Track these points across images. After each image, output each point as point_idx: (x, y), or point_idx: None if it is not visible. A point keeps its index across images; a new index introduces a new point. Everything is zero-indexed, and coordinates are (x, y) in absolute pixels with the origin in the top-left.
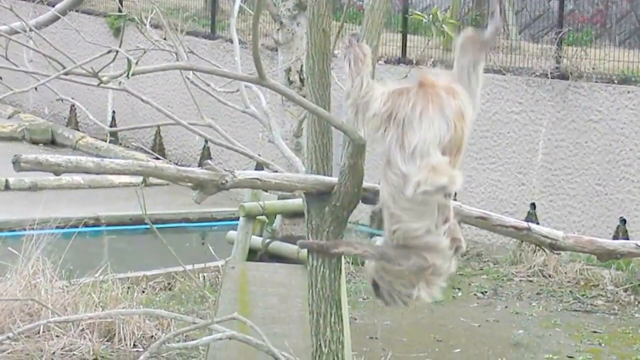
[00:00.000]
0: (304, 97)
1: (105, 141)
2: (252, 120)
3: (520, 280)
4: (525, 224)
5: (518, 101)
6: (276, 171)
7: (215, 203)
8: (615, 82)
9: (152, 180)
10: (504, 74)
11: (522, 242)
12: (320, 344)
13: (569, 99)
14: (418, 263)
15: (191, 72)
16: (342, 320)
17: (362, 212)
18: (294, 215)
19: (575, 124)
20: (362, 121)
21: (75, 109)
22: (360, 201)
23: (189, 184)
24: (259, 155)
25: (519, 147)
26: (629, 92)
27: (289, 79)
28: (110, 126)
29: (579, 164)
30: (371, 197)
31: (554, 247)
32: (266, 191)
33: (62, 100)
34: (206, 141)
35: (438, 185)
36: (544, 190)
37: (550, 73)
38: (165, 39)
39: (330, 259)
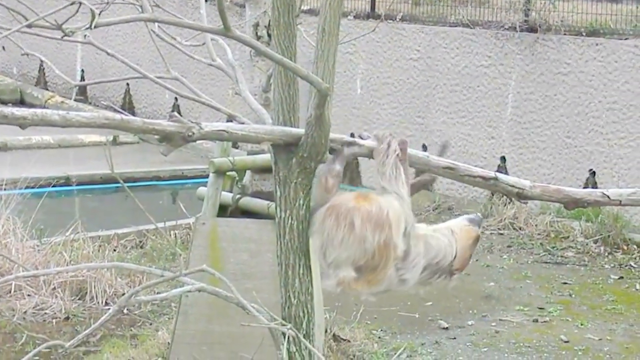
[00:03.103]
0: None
1: (76, 101)
2: (222, 77)
3: (491, 233)
4: (492, 174)
5: (487, 55)
6: (243, 123)
7: (186, 161)
8: (584, 34)
9: (122, 138)
10: (473, 28)
11: (492, 195)
12: (289, 295)
13: (537, 52)
14: None
15: (157, 27)
16: (310, 271)
17: None
18: (263, 170)
19: (544, 77)
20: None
21: (44, 68)
22: (327, 152)
23: (156, 136)
24: (240, 116)
25: (488, 100)
26: (597, 44)
27: (256, 34)
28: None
29: (548, 116)
30: (339, 148)
31: (521, 196)
32: (236, 147)
33: (27, 55)
34: (176, 99)
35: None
36: (514, 144)
37: (519, 26)
38: None
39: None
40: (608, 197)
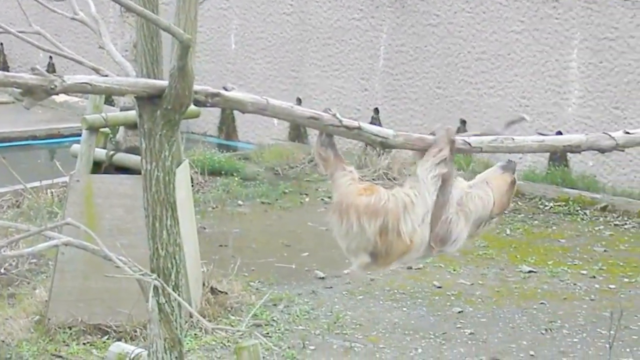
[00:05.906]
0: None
1: None
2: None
3: None
4: (356, 123)
5: (358, 8)
6: (107, 76)
7: (62, 119)
8: None
9: None
10: None
11: (367, 146)
12: (157, 247)
13: (407, 4)
14: None
15: None
16: (178, 223)
17: (209, 124)
18: (136, 126)
19: (414, 29)
20: None
21: None
22: (192, 104)
23: (18, 90)
24: (104, 69)
25: (360, 53)
26: None
27: None
28: None
29: (420, 68)
30: (203, 99)
31: (385, 145)
32: (111, 103)
33: None
34: (51, 57)
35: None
36: (387, 95)
37: None
38: None
39: None
40: (469, 144)
